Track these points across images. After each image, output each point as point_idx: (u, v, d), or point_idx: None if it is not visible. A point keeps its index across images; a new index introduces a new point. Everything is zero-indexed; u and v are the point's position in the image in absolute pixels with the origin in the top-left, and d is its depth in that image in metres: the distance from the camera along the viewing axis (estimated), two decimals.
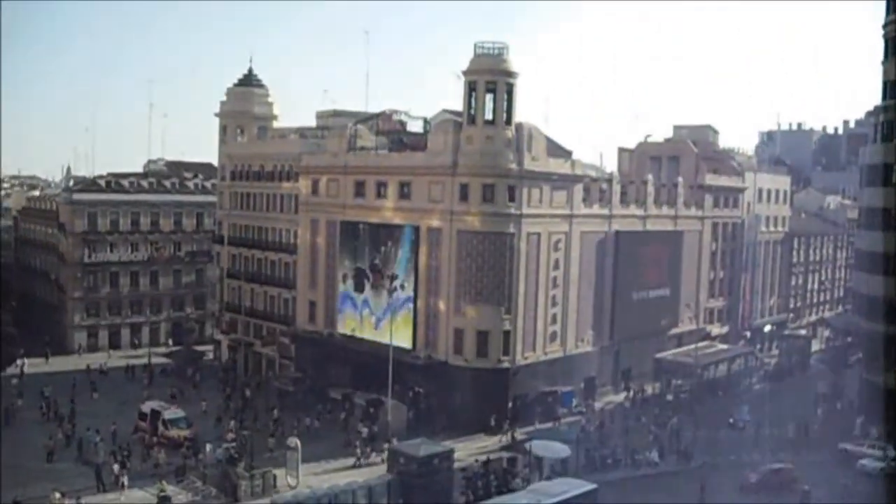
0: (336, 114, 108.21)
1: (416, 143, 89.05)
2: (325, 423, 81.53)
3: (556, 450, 67.59)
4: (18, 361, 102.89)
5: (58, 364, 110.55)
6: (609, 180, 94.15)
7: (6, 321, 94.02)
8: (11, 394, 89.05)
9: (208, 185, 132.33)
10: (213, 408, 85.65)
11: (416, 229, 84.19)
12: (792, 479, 66.10)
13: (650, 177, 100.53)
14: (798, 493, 62.36)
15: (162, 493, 57.37)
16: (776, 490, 64.50)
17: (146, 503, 61.39)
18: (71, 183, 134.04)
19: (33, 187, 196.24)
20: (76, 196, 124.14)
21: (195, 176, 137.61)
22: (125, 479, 64.17)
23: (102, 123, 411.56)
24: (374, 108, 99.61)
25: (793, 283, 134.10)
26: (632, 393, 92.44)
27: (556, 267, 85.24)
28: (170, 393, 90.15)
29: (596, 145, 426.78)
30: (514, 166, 79.70)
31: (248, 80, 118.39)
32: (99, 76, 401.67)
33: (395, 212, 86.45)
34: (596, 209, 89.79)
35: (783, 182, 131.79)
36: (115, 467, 65.63)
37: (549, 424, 79.49)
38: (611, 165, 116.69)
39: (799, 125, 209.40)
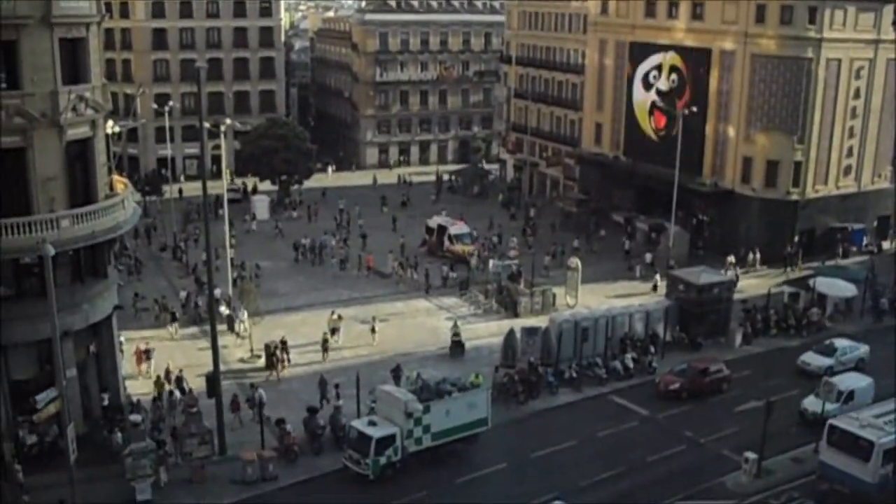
0: None
1: None
2: (605, 245, 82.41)
3: (842, 288, 65.20)
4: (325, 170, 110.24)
5: (351, 178, 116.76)
6: None
7: (305, 137, 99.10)
8: (311, 204, 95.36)
9: (496, 4, 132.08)
10: (496, 225, 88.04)
11: (708, 52, 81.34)
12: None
13: None
14: None
15: (455, 337, 57.79)
16: None
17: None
18: (363, 4, 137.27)
19: (328, 9, 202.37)
20: (368, 17, 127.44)
21: None
22: (453, 276, 70.95)
23: None
24: None
25: None
26: None
27: (857, 96, 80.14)
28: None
29: None
30: None
31: None
32: None
33: (687, 33, 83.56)
34: None
35: None
36: (444, 269, 71.79)
37: (837, 261, 76.65)
38: None
39: None
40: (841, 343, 56.63)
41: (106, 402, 44.66)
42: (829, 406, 46.28)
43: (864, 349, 56.51)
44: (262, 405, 45.14)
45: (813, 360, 55.42)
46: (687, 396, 50.85)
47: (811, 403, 48.00)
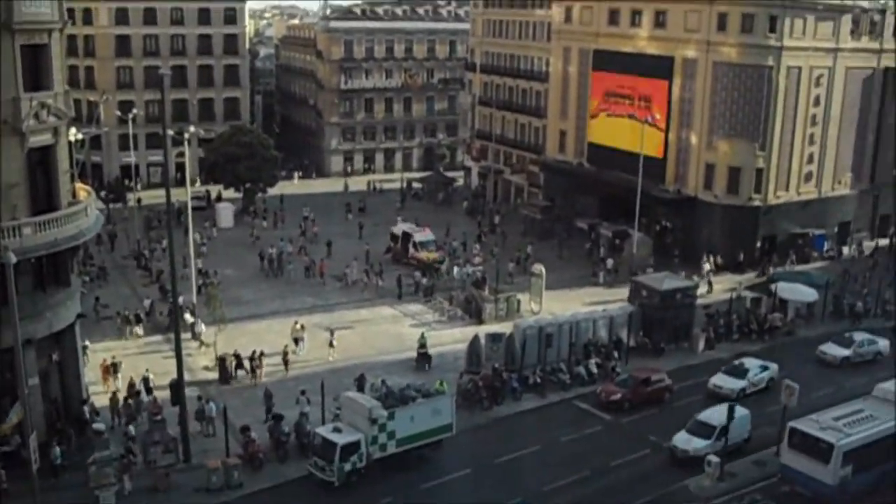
0: None
1: None
2: (570, 252, 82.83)
3: (803, 293, 66.12)
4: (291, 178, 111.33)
5: (315, 186, 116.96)
6: (882, 11, 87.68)
7: (269, 145, 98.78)
8: (276, 211, 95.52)
9: (461, 12, 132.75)
10: (461, 232, 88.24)
11: (671, 59, 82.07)
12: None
13: None
14: None
15: (422, 348, 57.18)
16: None
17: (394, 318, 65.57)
18: (328, 11, 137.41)
19: (293, 16, 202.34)
20: (333, 24, 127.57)
21: (449, 3, 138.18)
22: (425, 282, 70.94)
23: None
24: None
25: None
26: (890, 241, 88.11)
27: (817, 104, 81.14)
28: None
29: None
30: None
31: None
32: None
33: (649, 41, 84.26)
34: (864, 43, 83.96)
35: None
36: (416, 275, 72.25)
37: (798, 267, 77.41)
38: None
39: None
40: (752, 363, 54.68)
41: (77, 412, 44.28)
42: (701, 444, 44.13)
43: (773, 369, 54.43)
44: (212, 418, 45.52)
45: (725, 382, 52.70)
46: (629, 407, 50.39)
47: (682, 441, 44.91)
